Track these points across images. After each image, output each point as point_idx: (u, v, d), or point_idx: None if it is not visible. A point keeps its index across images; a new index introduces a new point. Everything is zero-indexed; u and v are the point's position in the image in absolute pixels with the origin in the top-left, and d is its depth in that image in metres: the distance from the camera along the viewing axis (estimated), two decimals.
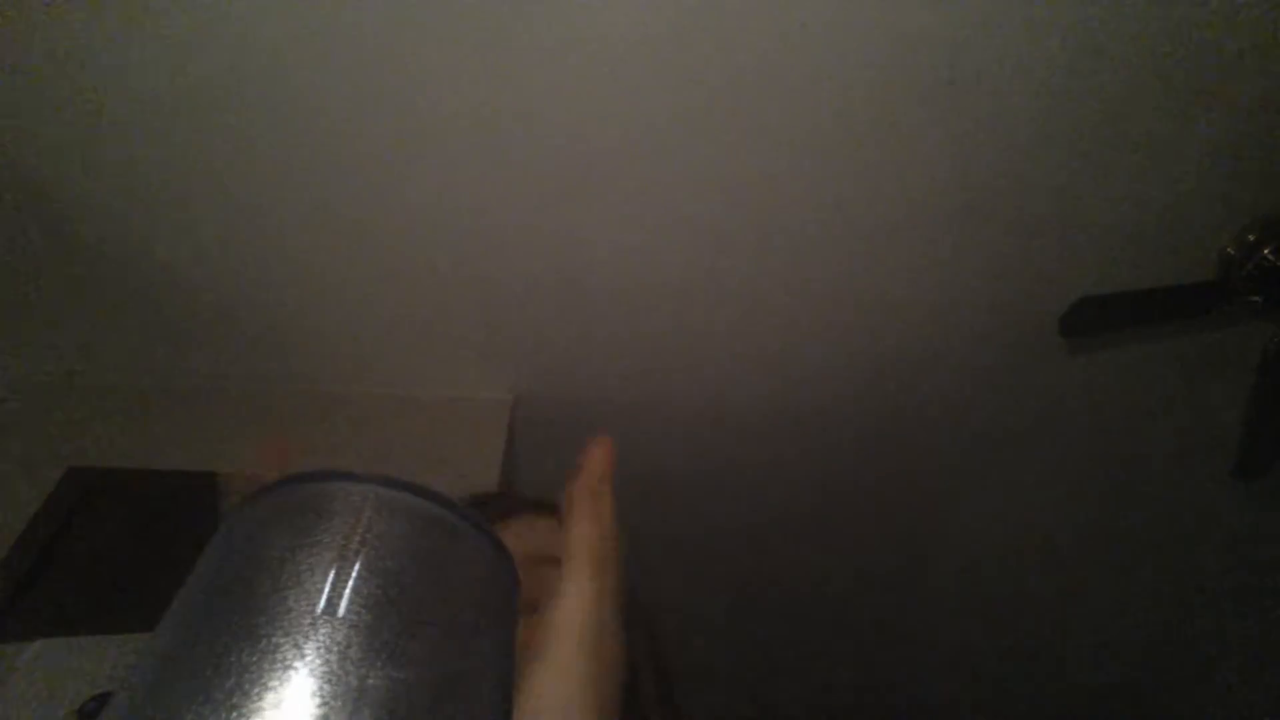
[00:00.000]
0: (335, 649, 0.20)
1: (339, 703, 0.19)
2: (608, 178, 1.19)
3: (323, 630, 0.20)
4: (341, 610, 0.21)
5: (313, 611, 0.20)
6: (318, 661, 0.20)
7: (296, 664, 0.19)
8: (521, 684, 0.30)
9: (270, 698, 0.19)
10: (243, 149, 1.14)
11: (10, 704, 0.84)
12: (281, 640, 0.20)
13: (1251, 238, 1.25)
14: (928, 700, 2.36)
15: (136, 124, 1.10)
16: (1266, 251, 1.25)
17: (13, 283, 1.32)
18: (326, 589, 0.21)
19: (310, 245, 1.28)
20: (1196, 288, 1.28)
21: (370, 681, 0.19)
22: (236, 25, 1.00)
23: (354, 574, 0.21)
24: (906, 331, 1.44)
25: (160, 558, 1.05)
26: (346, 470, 0.25)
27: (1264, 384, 1.35)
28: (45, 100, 1.08)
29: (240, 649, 0.20)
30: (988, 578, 1.99)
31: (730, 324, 1.43)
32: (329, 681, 0.19)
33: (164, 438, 1.31)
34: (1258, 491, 1.69)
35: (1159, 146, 1.15)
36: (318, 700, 0.19)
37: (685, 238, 1.28)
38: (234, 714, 0.18)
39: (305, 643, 0.20)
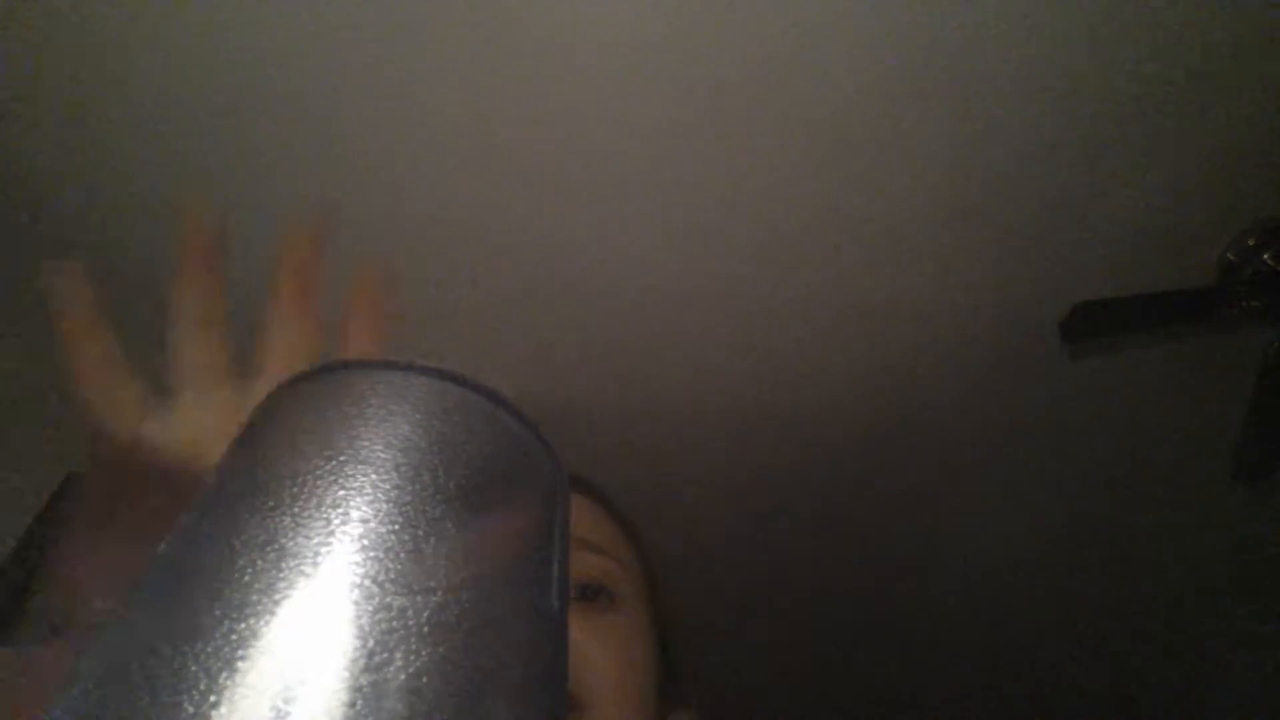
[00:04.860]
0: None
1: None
2: (606, 182, 1.19)
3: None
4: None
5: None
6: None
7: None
8: None
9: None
10: (242, 154, 1.14)
11: (11, 709, 0.84)
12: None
13: (1251, 242, 1.25)
14: (928, 701, 2.36)
15: (137, 129, 1.10)
16: (1266, 256, 1.25)
17: (12, 285, 1.32)
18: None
19: None
20: (1196, 293, 1.28)
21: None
22: (236, 31, 1.00)
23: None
24: (906, 336, 1.44)
25: None
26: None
27: (1264, 388, 1.35)
28: (48, 105, 1.08)
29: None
30: (987, 579, 1.99)
31: (729, 328, 1.43)
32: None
33: None
34: (1258, 495, 1.69)
35: (1159, 151, 1.15)
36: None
37: (684, 242, 1.28)
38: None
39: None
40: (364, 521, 0.17)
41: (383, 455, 0.19)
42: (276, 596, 0.16)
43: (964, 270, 1.32)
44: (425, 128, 1.11)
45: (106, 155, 1.14)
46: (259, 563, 0.16)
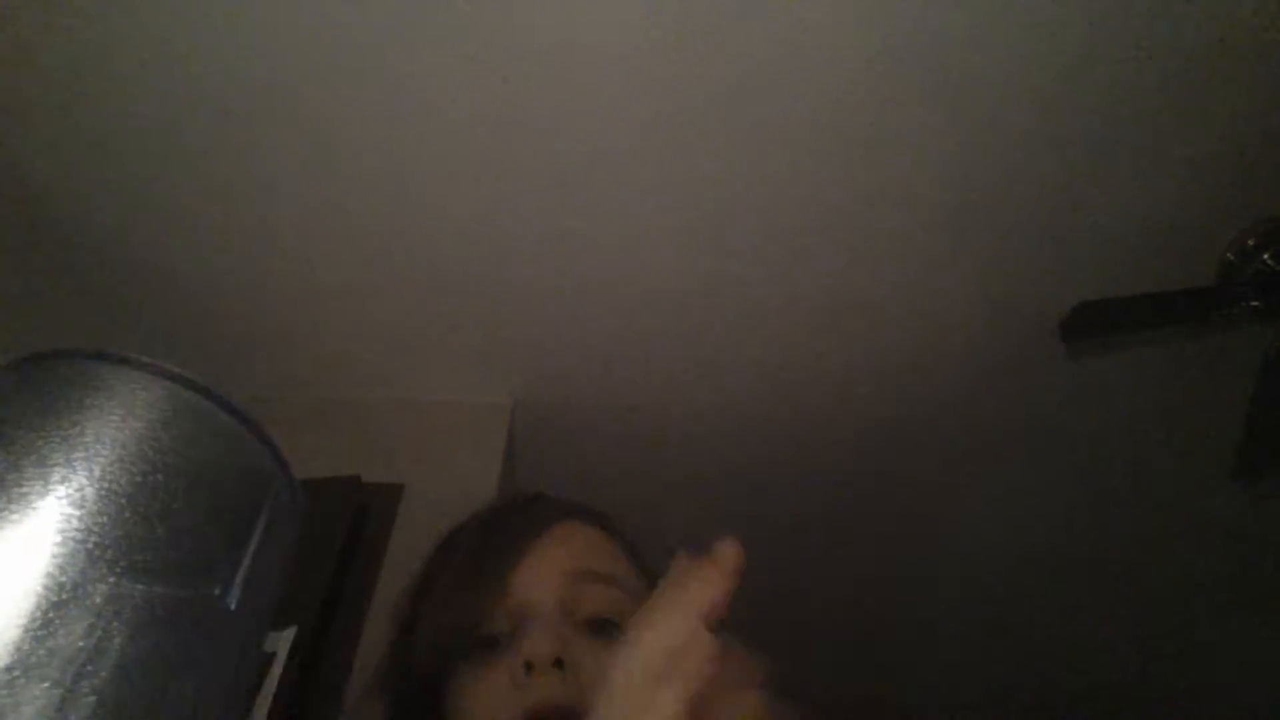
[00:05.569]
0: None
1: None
2: (607, 182, 1.19)
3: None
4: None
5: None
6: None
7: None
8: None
9: None
10: (245, 155, 1.13)
11: None
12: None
13: (1251, 243, 1.25)
14: (927, 700, 2.36)
15: (139, 129, 1.10)
16: (1266, 256, 1.25)
17: (10, 286, 1.32)
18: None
19: (311, 250, 1.27)
20: (1196, 292, 1.28)
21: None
22: (241, 32, 1.00)
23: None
24: (906, 335, 1.43)
25: None
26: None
27: (1263, 387, 1.35)
28: (49, 108, 1.08)
29: None
30: (987, 579, 1.99)
31: (728, 328, 1.43)
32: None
33: None
34: (1257, 494, 1.69)
35: (1159, 151, 1.15)
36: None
37: (684, 242, 1.28)
38: None
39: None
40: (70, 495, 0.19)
41: (92, 441, 0.20)
42: None
43: (964, 270, 1.32)
44: (425, 129, 1.11)
45: (109, 160, 1.14)
46: None
